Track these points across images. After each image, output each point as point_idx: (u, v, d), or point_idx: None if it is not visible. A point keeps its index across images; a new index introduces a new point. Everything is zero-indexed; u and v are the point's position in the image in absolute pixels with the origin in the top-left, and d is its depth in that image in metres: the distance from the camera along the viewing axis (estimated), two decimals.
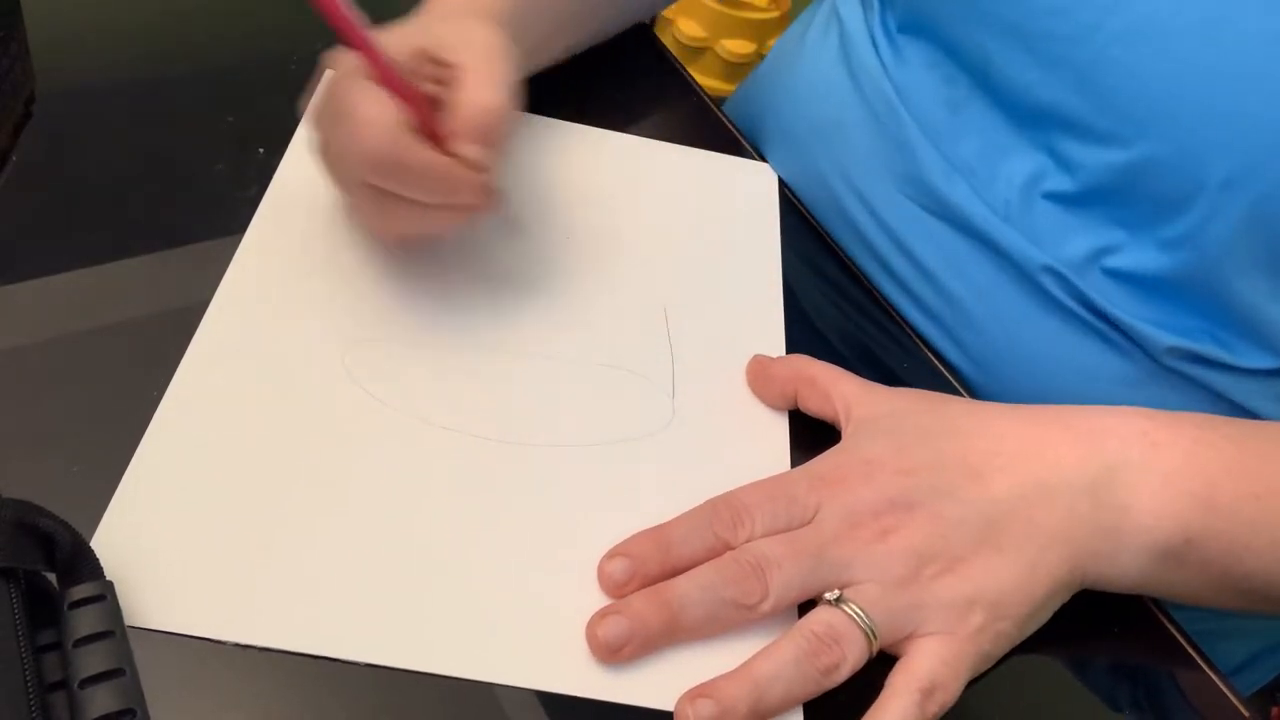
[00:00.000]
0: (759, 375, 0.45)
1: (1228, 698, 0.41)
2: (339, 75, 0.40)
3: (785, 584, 0.36)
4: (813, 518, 0.37)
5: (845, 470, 0.38)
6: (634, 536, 0.37)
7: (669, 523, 0.38)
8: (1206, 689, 0.41)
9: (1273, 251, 0.42)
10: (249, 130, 0.48)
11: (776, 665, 0.35)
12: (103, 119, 0.48)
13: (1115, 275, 0.46)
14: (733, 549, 0.37)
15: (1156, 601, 0.42)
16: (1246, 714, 0.40)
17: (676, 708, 0.34)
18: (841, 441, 0.41)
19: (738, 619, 0.36)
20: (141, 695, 0.30)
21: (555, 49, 0.53)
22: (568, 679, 0.35)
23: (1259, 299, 0.44)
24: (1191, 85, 0.41)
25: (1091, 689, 0.40)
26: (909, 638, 0.36)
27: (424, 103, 0.39)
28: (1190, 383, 0.47)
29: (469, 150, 0.39)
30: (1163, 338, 0.45)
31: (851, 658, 0.35)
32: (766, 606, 0.36)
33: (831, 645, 0.35)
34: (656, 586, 0.36)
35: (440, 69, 0.40)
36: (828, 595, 0.36)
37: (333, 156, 0.41)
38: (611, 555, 0.37)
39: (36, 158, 0.45)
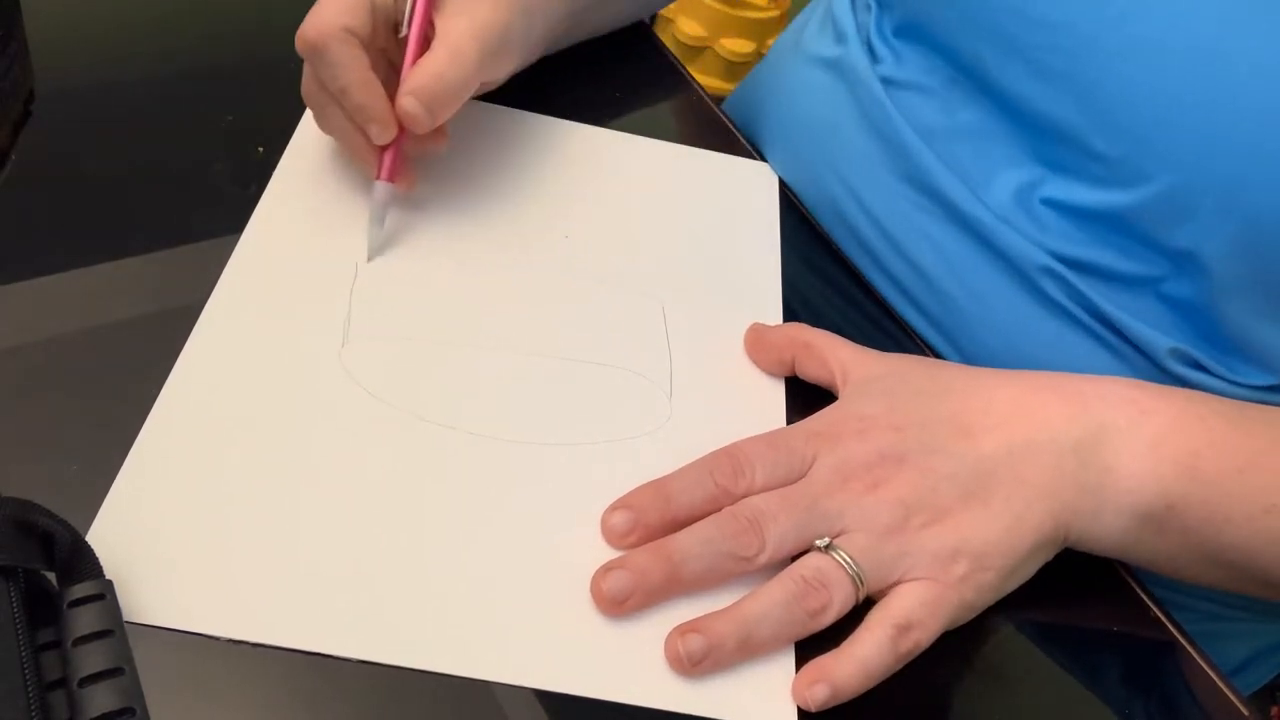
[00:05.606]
0: (756, 342, 0.46)
1: (1228, 698, 0.41)
2: None
3: (781, 536, 0.37)
4: (808, 469, 0.38)
5: (840, 425, 0.40)
6: (636, 489, 0.39)
7: (670, 475, 0.39)
8: (1206, 689, 0.41)
9: (1260, 273, 0.42)
10: (249, 130, 0.48)
11: (765, 605, 0.36)
12: (103, 118, 0.48)
13: (1114, 279, 0.46)
14: (732, 497, 0.38)
15: (1157, 601, 0.42)
16: (1246, 714, 0.40)
17: (666, 642, 0.36)
18: (838, 400, 0.42)
19: (736, 570, 0.37)
20: (141, 694, 0.30)
21: (589, 25, 0.56)
22: (567, 678, 0.35)
23: (1246, 318, 0.44)
24: (1187, 106, 0.41)
25: (1092, 689, 0.40)
26: (895, 584, 0.37)
27: (420, 35, 0.43)
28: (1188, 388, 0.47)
29: (406, 101, 0.42)
30: (1162, 340, 0.45)
31: (838, 602, 0.36)
32: (763, 558, 0.37)
33: (819, 589, 0.36)
34: (658, 542, 0.37)
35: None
36: (818, 542, 0.37)
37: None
38: (614, 508, 0.38)
39: (36, 158, 0.45)
